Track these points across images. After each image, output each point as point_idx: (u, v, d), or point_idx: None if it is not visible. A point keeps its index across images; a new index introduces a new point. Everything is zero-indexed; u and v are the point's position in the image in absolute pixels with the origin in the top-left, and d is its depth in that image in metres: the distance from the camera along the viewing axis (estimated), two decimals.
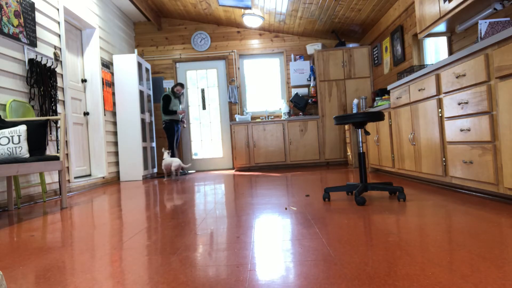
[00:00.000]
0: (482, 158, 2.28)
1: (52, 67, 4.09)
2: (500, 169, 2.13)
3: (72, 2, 4.70)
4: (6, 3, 3.47)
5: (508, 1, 2.83)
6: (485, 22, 2.77)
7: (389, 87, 3.82)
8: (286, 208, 2.43)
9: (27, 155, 2.92)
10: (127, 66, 5.86)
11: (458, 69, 2.48)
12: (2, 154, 2.83)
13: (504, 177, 2.09)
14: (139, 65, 6.10)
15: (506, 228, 1.60)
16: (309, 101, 6.74)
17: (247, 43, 7.07)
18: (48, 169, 3.06)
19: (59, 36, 4.41)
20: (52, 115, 3.98)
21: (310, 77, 6.72)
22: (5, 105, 3.41)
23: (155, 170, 6.50)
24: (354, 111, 6.00)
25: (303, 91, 6.77)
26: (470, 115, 2.40)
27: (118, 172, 5.91)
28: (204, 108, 7.18)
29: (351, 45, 6.36)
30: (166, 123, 6.11)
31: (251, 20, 6.32)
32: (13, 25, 3.54)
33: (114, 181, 5.73)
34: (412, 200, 2.46)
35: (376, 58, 6.14)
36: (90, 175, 5.26)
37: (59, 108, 4.31)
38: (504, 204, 2.13)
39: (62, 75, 4.40)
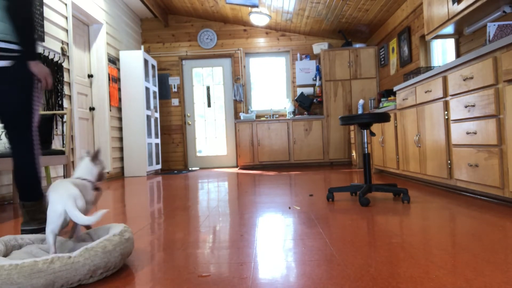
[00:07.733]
0: (488, 161, 2.27)
1: (59, 61, 4.11)
2: (506, 173, 2.12)
3: None
4: None
5: None
6: (494, 24, 2.75)
7: (395, 88, 3.80)
8: (289, 208, 2.43)
9: None
10: (133, 62, 5.88)
11: (465, 71, 2.46)
12: (8, 147, 2.85)
13: (510, 181, 2.08)
14: (146, 61, 6.12)
15: (510, 232, 1.59)
16: (314, 100, 6.73)
17: (253, 41, 7.06)
18: (54, 163, 3.08)
19: (67, 31, 4.43)
20: (58, 110, 4.00)
21: (315, 76, 6.70)
22: None
23: (159, 166, 6.52)
24: (360, 111, 5.98)
25: (308, 90, 6.76)
26: (476, 118, 2.39)
27: (122, 168, 5.93)
28: (209, 105, 7.19)
29: (357, 45, 6.34)
30: None
31: (258, 19, 6.32)
32: None
33: (118, 176, 5.76)
34: (416, 202, 2.45)
35: (382, 59, 6.11)
36: None
37: (66, 103, 4.33)
38: (509, 208, 2.11)
39: (69, 70, 4.43)
